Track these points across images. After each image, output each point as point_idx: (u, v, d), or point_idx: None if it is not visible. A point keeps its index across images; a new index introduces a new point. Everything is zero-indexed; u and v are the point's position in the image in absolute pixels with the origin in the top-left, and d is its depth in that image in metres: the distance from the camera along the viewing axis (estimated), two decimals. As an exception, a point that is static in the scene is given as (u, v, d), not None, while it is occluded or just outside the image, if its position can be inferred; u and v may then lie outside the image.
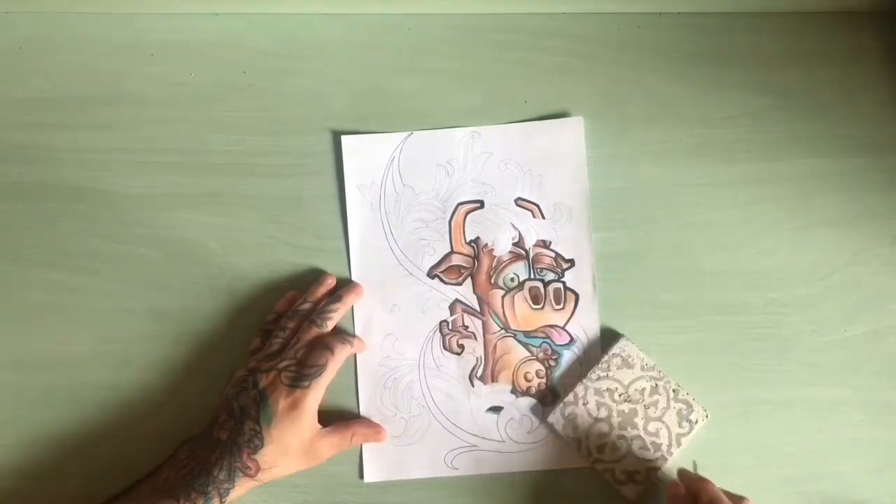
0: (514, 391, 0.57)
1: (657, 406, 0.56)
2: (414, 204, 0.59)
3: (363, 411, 0.57)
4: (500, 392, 0.57)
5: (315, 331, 0.55)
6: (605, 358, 0.56)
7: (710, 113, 0.59)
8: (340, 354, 0.54)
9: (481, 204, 0.58)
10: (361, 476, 0.56)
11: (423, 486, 0.56)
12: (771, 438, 0.56)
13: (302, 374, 0.53)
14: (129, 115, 0.59)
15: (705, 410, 0.56)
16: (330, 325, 0.56)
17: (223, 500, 0.50)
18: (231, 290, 0.57)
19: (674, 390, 0.56)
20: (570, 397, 0.56)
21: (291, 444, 0.52)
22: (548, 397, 0.57)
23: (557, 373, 0.57)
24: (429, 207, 0.58)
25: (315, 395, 0.53)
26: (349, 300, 0.57)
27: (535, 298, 0.58)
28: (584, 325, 0.57)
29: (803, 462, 0.56)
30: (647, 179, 0.58)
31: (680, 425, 0.56)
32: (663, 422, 0.56)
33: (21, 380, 0.57)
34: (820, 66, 0.59)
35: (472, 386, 0.57)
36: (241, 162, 0.59)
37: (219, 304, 0.57)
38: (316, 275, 0.58)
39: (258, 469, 0.51)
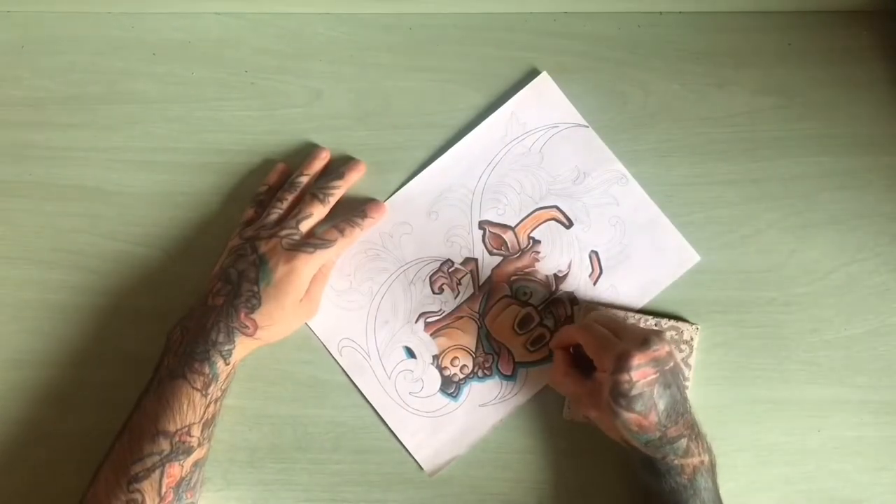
0: (435, 358, 0.57)
1: None
2: (531, 170, 0.58)
3: None
4: (426, 347, 0.57)
5: (317, 204, 0.55)
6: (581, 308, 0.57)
7: (710, 112, 0.59)
8: (349, 236, 0.55)
9: (569, 225, 0.58)
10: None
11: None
12: (771, 437, 0.56)
13: (306, 242, 0.53)
14: (131, 114, 0.59)
15: (694, 324, 0.56)
16: (332, 201, 0.56)
17: (227, 361, 0.51)
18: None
19: (655, 324, 0.56)
20: None
21: (287, 303, 0.52)
22: (451, 388, 0.57)
23: (475, 383, 0.57)
24: (536, 183, 0.58)
25: (315, 263, 0.53)
26: (351, 177, 0.57)
27: (522, 324, 0.57)
28: (531, 377, 0.57)
29: (804, 461, 0.56)
30: (646, 178, 0.58)
31: (680, 349, 0.56)
32: None
33: (21, 378, 0.57)
34: (820, 65, 0.59)
35: (415, 322, 0.57)
36: (241, 161, 0.59)
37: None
38: (309, 148, 0.58)
39: (256, 327, 0.51)
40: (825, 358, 0.57)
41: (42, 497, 0.55)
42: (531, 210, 0.58)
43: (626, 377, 0.47)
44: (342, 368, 0.57)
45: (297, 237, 0.53)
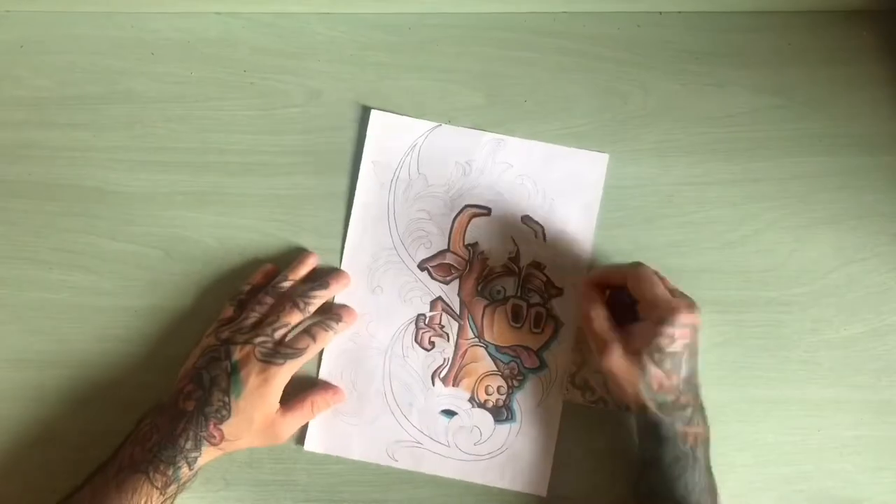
0: (471, 400, 0.57)
1: None
2: (423, 194, 0.58)
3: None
4: (457, 397, 0.57)
5: (296, 313, 0.54)
6: None
7: (709, 111, 0.59)
8: (321, 342, 0.55)
9: (488, 211, 0.58)
10: (301, 443, 0.56)
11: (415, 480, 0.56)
12: (770, 437, 0.56)
13: (277, 352, 0.53)
14: (130, 113, 0.59)
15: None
16: (311, 310, 0.55)
17: (191, 467, 0.51)
18: (231, 289, 0.57)
19: None
20: (573, 367, 0.56)
21: (256, 418, 0.52)
22: (503, 414, 0.57)
23: (518, 393, 0.57)
24: (437, 201, 0.58)
25: (286, 374, 0.53)
26: (335, 289, 0.57)
27: (516, 316, 0.57)
28: (557, 355, 0.57)
29: (803, 460, 0.56)
30: (646, 178, 0.58)
31: None
32: None
33: (20, 378, 0.57)
34: (819, 64, 0.59)
35: (433, 385, 0.57)
36: (240, 160, 0.59)
37: (218, 303, 0.57)
38: (297, 252, 0.58)
39: (222, 438, 0.51)
40: (825, 357, 0.57)
41: (42, 497, 0.55)
42: (450, 224, 0.58)
43: (670, 331, 0.48)
44: (408, 471, 0.56)
45: (270, 345, 0.53)
